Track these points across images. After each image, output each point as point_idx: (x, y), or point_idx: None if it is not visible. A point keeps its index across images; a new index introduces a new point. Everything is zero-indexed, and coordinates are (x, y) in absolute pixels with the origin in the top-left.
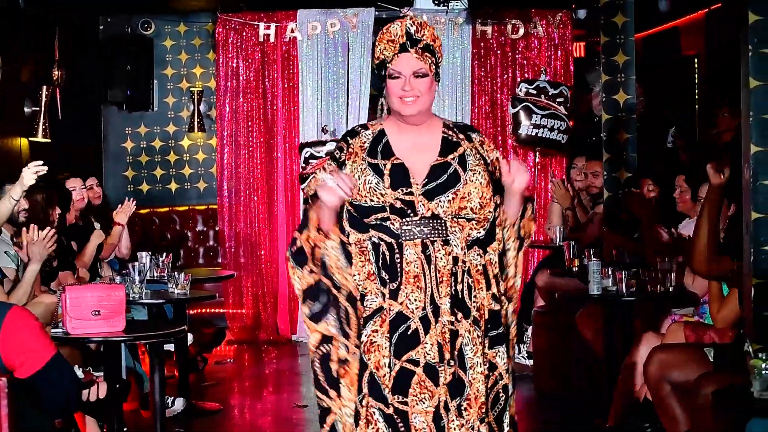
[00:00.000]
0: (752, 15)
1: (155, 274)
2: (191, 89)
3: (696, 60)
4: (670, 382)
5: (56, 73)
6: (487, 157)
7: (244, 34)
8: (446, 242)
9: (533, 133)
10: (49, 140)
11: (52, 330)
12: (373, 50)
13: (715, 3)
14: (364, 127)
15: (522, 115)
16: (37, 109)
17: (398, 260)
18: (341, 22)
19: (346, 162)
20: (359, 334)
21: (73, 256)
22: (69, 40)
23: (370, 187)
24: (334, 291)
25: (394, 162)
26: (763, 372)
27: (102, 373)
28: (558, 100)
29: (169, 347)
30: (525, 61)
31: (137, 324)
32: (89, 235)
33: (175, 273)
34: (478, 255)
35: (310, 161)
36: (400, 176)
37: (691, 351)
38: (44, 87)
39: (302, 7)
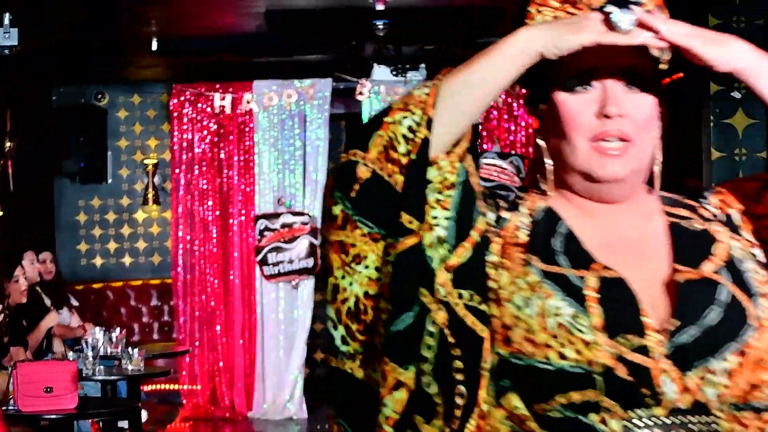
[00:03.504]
0: (714, 86)
1: (109, 350)
2: (145, 161)
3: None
4: None
5: (8, 144)
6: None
7: (200, 105)
8: None
9: None
10: (0, 212)
11: (2, 407)
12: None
13: (676, 72)
14: (514, 203)
15: None
16: None
17: None
18: (298, 93)
19: (493, 254)
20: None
21: (24, 332)
22: (21, 110)
23: (558, 325)
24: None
25: (604, 275)
26: None
27: None
28: (509, 170)
29: (123, 424)
30: (485, 132)
31: (90, 401)
32: (38, 312)
33: (129, 348)
34: None
35: (265, 233)
36: (621, 307)
37: None
38: None
39: (258, 78)
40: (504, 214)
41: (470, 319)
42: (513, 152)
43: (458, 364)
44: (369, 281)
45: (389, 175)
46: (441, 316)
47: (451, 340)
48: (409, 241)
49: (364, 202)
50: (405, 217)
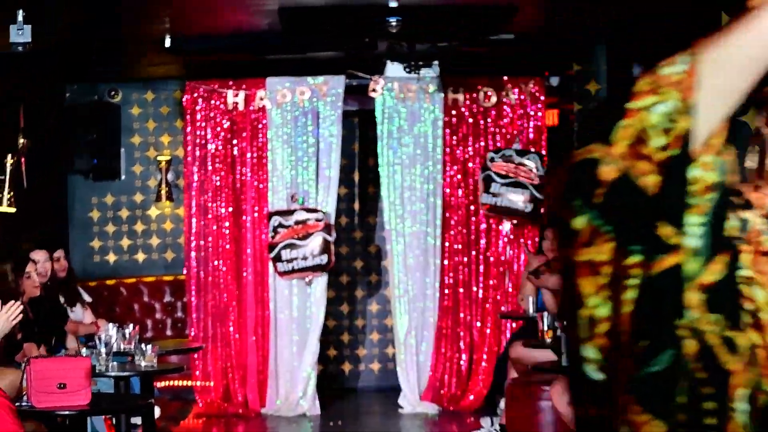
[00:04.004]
0: None
1: (122, 346)
2: (159, 158)
3: None
4: None
5: (21, 141)
6: None
7: (213, 101)
8: None
9: (492, 202)
10: (13, 210)
11: (16, 404)
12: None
13: None
14: (747, 201)
15: (482, 185)
16: (2, 178)
17: None
18: (311, 90)
19: (744, 266)
20: None
21: (37, 328)
22: (34, 107)
23: None
24: None
25: None
26: None
27: None
28: (525, 168)
29: (136, 420)
30: (497, 129)
31: (103, 397)
32: (50, 309)
33: (142, 345)
34: None
35: (279, 230)
36: None
37: None
38: (9, 155)
39: (271, 75)
40: (745, 214)
41: (721, 350)
42: (531, 149)
43: (709, 405)
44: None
45: (639, 175)
46: (691, 346)
47: (701, 375)
48: (670, 260)
49: (612, 209)
50: (665, 230)
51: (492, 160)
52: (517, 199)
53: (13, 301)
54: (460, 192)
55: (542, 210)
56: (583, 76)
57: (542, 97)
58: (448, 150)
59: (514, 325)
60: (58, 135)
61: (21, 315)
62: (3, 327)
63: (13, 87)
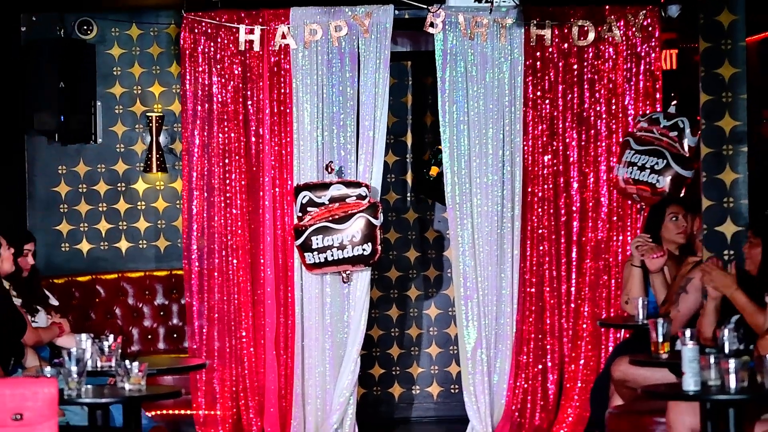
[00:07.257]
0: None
1: (99, 364)
2: (148, 114)
3: None
4: None
5: None
6: None
7: (219, 40)
8: None
9: (625, 174)
10: None
11: None
12: None
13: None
14: None
15: (621, 153)
16: None
17: None
18: (349, 25)
19: None
20: None
21: None
22: None
23: None
24: None
25: None
26: None
27: None
28: (671, 134)
29: None
30: (596, 77)
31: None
32: (5, 317)
33: (126, 362)
34: None
35: (308, 210)
36: None
37: None
38: None
39: (297, 4)
40: None
41: None
42: (682, 115)
43: None
44: None
45: None
46: None
47: None
48: None
49: None
50: None
51: (639, 125)
52: (648, 169)
53: None
54: (546, 159)
55: (683, 189)
56: (712, 2)
57: (657, 33)
58: (530, 104)
59: (618, 335)
60: (13, 83)
61: None
62: None
63: None
